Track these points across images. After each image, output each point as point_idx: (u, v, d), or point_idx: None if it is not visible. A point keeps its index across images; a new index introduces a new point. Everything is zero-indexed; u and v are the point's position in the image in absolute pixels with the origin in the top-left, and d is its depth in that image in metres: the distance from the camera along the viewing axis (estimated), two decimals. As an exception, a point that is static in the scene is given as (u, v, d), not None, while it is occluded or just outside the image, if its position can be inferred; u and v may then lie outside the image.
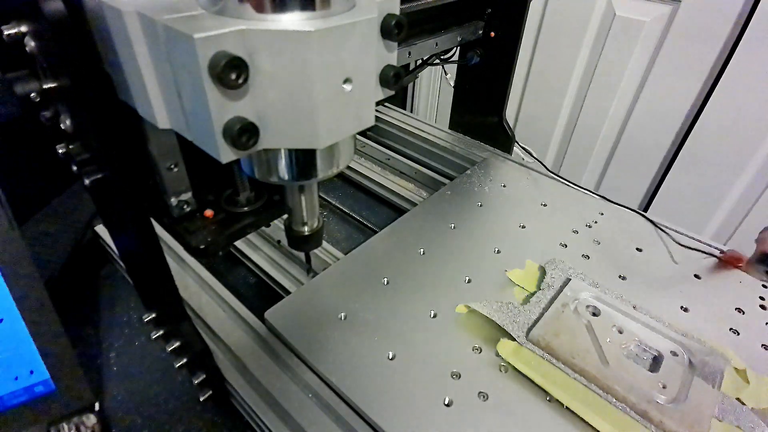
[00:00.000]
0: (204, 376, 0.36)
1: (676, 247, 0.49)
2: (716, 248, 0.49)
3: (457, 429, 0.32)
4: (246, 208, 0.31)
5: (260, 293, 0.50)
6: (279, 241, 0.52)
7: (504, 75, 0.62)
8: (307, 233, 0.31)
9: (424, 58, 0.56)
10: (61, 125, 0.25)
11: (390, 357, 0.36)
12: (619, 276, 0.45)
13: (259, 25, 0.18)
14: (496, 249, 0.47)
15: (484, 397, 0.34)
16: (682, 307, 0.42)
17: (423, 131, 0.71)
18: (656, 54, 0.84)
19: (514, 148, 0.66)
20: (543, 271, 0.44)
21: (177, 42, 0.17)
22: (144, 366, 0.43)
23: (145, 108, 0.21)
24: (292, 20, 0.18)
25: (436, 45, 0.54)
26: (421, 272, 0.44)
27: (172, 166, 0.28)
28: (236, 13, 0.18)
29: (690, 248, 0.48)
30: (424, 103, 1.25)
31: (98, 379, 0.42)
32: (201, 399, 0.37)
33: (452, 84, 0.69)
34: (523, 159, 0.64)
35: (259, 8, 0.18)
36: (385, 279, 0.43)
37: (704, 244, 0.49)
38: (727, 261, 0.46)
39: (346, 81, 0.20)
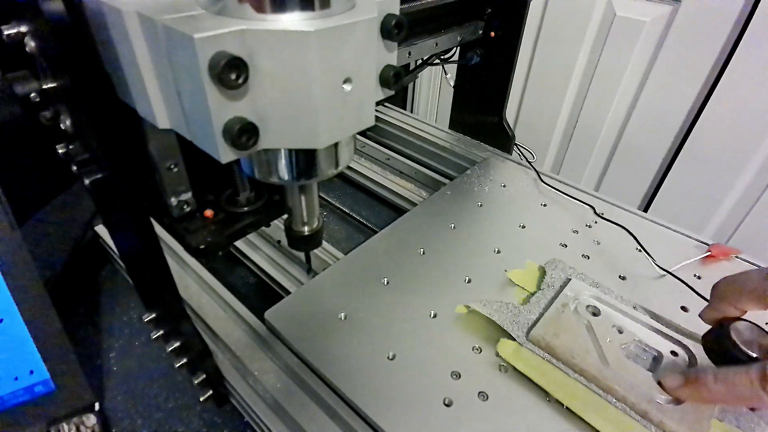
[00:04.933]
0: (204, 376, 0.36)
1: (676, 247, 0.49)
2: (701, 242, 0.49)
3: (457, 429, 0.32)
4: (246, 208, 0.31)
5: (260, 293, 0.50)
6: (279, 241, 0.52)
7: (504, 75, 0.62)
8: (307, 233, 0.31)
9: (424, 58, 0.56)
10: (61, 125, 0.25)
11: (390, 357, 0.36)
12: (619, 276, 0.45)
13: (259, 25, 0.18)
14: (496, 249, 0.47)
15: (484, 397, 0.34)
16: (682, 307, 0.42)
17: (423, 131, 0.71)
18: (656, 54, 0.84)
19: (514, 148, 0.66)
20: (543, 271, 0.44)
21: (177, 42, 0.17)
22: (144, 366, 0.43)
23: (145, 108, 0.21)
24: (292, 20, 0.18)
25: (436, 45, 0.54)
26: (421, 272, 0.44)
27: (172, 166, 0.28)
28: (236, 13, 0.18)
29: (671, 274, 0.45)
30: (424, 103, 1.25)
31: (98, 379, 0.42)
32: (201, 399, 0.37)
33: (452, 84, 0.69)
34: (523, 158, 0.64)
35: (259, 8, 0.18)
36: (385, 279, 0.43)
37: (691, 238, 0.50)
38: (717, 255, 0.47)
39: (346, 81, 0.20)
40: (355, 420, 0.33)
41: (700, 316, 0.34)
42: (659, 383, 0.33)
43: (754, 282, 0.30)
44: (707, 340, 0.34)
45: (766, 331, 0.31)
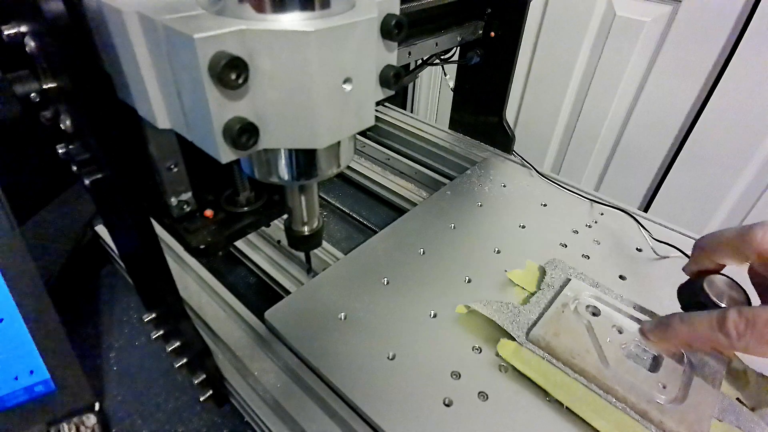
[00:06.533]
0: (204, 376, 0.36)
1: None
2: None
3: (457, 429, 0.32)
4: (246, 208, 0.31)
5: (260, 293, 0.50)
6: (279, 241, 0.52)
7: (504, 75, 0.62)
8: (307, 233, 0.31)
9: (424, 58, 0.56)
10: (61, 125, 0.25)
11: (390, 357, 0.36)
12: (619, 276, 0.45)
13: (259, 25, 0.18)
14: (496, 249, 0.47)
15: (484, 397, 0.34)
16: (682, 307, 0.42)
17: (423, 131, 0.71)
18: (656, 54, 0.84)
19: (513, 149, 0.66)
20: (543, 271, 0.44)
21: (177, 42, 0.17)
22: (144, 366, 0.43)
23: (145, 108, 0.21)
24: (292, 20, 0.18)
25: (436, 45, 0.54)
26: (421, 272, 0.44)
27: (172, 166, 0.28)
28: (236, 13, 0.18)
29: (667, 244, 0.48)
30: (424, 103, 1.25)
31: (98, 379, 0.42)
32: (201, 399, 0.37)
33: (452, 86, 0.69)
34: (519, 157, 0.64)
35: (259, 8, 0.18)
36: (385, 279, 0.43)
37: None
38: None
39: (346, 81, 0.20)
40: (355, 420, 0.33)
41: (683, 269, 0.36)
42: (640, 331, 0.35)
43: (729, 235, 0.32)
44: (682, 290, 0.35)
45: (739, 285, 0.32)
